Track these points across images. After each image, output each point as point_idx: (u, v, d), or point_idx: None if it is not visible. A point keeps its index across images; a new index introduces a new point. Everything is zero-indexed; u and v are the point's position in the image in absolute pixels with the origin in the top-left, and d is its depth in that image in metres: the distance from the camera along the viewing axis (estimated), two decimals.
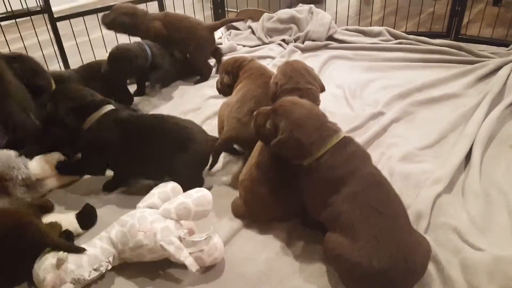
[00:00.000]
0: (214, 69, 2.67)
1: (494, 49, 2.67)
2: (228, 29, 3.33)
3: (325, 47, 2.93)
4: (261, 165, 1.35)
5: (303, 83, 1.50)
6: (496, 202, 1.43)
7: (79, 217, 1.41)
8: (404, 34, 2.90)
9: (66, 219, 1.38)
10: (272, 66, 2.62)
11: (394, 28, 3.00)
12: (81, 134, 1.55)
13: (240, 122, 1.55)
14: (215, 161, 1.63)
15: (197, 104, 2.25)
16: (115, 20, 2.45)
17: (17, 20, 2.52)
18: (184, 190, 1.34)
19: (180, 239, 1.18)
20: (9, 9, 2.50)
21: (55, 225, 1.33)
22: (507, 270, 1.14)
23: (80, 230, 1.39)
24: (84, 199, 1.55)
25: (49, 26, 2.63)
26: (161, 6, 3.21)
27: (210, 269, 1.25)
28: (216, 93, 1.98)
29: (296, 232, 1.36)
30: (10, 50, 2.32)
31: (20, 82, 1.62)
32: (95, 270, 1.17)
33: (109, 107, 1.57)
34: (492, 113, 1.87)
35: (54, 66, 2.65)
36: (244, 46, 3.09)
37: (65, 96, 1.55)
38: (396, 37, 2.92)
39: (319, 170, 1.16)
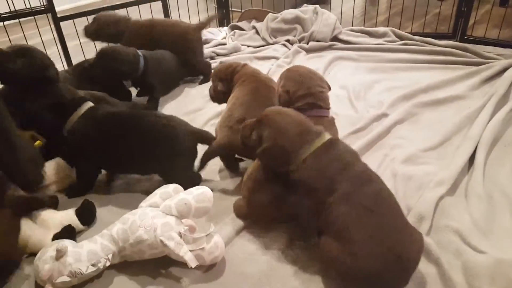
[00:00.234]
0: None
1: (501, 51, 2.65)
2: (232, 29, 3.33)
3: (330, 47, 2.92)
4: (256, 176, 1.35)
5: (315, 87, 1.51)
6: (499, 204, 1.42)
7: (78, 213, 1.41)
8: (410, 35, 2.89)
9: (66, 215, 1.39)
10: (276, 66, 2.63)
11: (399, 29, 2.99)
12: (64, 138, 1.54)
13: (232, 130, 1.53)
14: (203, 165, 1.62)
15: (199, 105, 2.25)
16: (98, 30, 2.43)
17: (21, 19, 2.54)
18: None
19: (181, 235, 1.18)
20: (12, 9, 2.51)
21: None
22: (509, 273, 1.14)
23: (81, 226, 1.40)
24: (83, 197, 1.54)
25: (52, 26, 2.65)
26: (165, 7, 3.22)
27: (211, 269, 1.25)
28: None
29: (298, 233, 1.36)
30: None
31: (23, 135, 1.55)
32: (93, 265, 1.17)
33: (87, 105, 1.55)
34: (497, 115, 1.86)
35: (58, 66, 2.62)
36: (248, 46, 3.09)
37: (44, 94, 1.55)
38: (401, 38, 2.91)
39: (304, 173, 1.17)
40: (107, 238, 1.23)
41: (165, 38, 2.44)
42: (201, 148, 1.59)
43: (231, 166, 1.69)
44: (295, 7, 3.24)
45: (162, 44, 2.43)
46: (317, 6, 3.14)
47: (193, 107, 2.24)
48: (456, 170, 1.53)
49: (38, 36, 2.54)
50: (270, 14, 3.19)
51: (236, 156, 1.69)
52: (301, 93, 1.48)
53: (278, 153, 1.21)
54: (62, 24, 2.65)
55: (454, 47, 2.68)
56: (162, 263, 1.25)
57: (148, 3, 3.01)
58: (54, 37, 2.63)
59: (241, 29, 3.31)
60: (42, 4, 2.61)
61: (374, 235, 1.05)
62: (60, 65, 2.66)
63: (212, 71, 2.01)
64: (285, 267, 1.24)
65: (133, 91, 2.39)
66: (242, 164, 1.70)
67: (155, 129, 1.49)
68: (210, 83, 2.02)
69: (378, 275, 1.04)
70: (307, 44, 2.95)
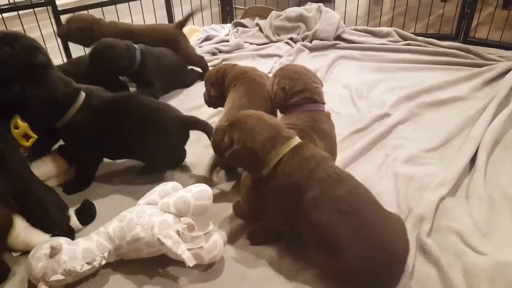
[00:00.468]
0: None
1: (503, 53, 2.64)
2: (235, 26, 3.32)
3: (333, 46, 2.91)
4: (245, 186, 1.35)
5: (310, 83, 1.51)
6: (500, 206, 1.41)
7: (78, 213, 1.40)
8: (413, 36, 2.88)
9: None
10: (279, 64, 2.61)
11: (403, 29, 2.98)
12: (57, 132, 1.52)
13: None
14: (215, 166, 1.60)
15: (201, 102, 2.21)
16: (70, 33, 2.38)
17: (20, 12, 2.51)
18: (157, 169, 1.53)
19: (179, 233, 1.17)
20: (12, 1, 2.49)
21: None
22: (509, 275, 1.13)
23: (80, 226, 1.38)
24: (83, 195, 1.53)
25: (52, 20, 2.62)
26: (168, 3, 3.20)
27: (209, 268, 1.24)
28: None
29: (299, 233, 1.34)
30: None
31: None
32: (88, 263, 1.15)
33: (83, 96, 1.53)
34: (498, 117, 1.85)
35: (58, 60, 2.64)
36: (251, 43, 3.08)
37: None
38: (404, 38, 2.89)
39: (276, 178, 1.16)
40: (103, 236, 1.21)
41: (147, 43, 2.37)
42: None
43: (231, 171, 1.67)
44: (299, 5, 3.23)
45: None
46: (321, 4, 3.12)
47: (194, 104, 2.23)
48: (457, 171, 1.53)
49: (38, 30, 2.51)
50: (273, 12, 3.18)
51: None
52: (297, 89, 1.48)
53: (247, 156, 1.20)
54: (62, 17, 2.62)
55: (457, 48, 2.67)
56: (160, 262, 1.23)
57: None
58: (54, 31, 2.60)
59: (244, 26, 3.30)
60: None
61: (355, 236, 1.05)
62: (60, 60, 2.65)
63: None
64: (285, 267, 1.23)
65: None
66: None
67: (146, 110, 1.53)
68: None
69: (371, 274, 1.05)
70: (310, 42, 2.94)
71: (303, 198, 1.12)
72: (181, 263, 1.17)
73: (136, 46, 2.17)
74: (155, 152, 1.54)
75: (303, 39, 3.00)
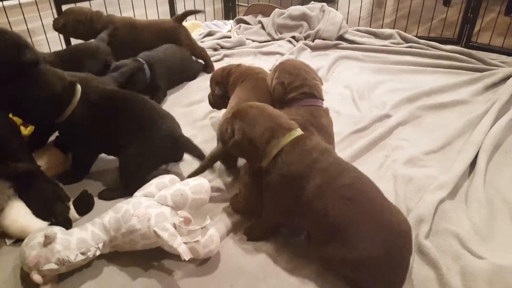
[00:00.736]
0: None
1: (505, 58, 2.65)
2: (237, 22, 3.30)
3: (335, 46, 2.91)
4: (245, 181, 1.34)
5: (310, 79, 1.51)
6: (499, 210, 1.40)
7: (75, 204, 1.39)
8: (415, 38, 2.88)
9: None
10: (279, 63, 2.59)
11: (405, 32, 2.96)
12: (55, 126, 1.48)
13: None
14: (201, 170, 1.50)
15: (201, 97, 2.22)
16: (66, 26, 2.32)
17: (21, 1, 2.48)
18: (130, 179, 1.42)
19: (175, 226, 1.15)
20: None
21: None
22: (508, 279, 1.12)
23: (77, 216, 1.37)
24: (81, 186, 1.51)
25: (54, 10, 2.60)
26: None
27: (204, 262, 1.22)
28: None
29: (298, 228, 1.33)
30: None
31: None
32: (82, 253, 1.14)
33: (79, 89, 1.48)
34: (499, 121, 1.84)
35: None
36: (253, 41, 3.07)
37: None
38: (407, 40, 2.89)
39: (277, 169, 1.15)
40: (98, 227, 1.20)
41: (148, 38, 2.37)
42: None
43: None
44: (302, 4, 3.22)
45: (146, 44, 2.35)
46: (324, 4, 3.11)
47: (194, 99, 2.22)
48: (457, 174, 1.52)
49: (39, 20, 2.49)
50: (276, 10, 3.16)
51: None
52: (296, 84, 1.47)
53: (246, 146, 1.20)
54: (63, 7, 2.60)
55: (459, 53, 2.66)
56: (155, 254, 1.22)
57: None
58: None
59: (246, 23, 3.28)
60: None
61: (364, 220, 1.04)
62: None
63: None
64: (282, 264, 1.22)
65: None
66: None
67: (142, 119, 1.46)
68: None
69: (385, 256, 1.02)
70: (313, 41, 2.93)
71: (305, 188, 1.11)
72: (176, 257, 1.15)
73: (142, 60, 2.12)
74: (134, 161, 1.46)
75: (305, 38, 2.99)
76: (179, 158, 1.64)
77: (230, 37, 3.06)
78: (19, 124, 1.66)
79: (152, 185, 1.29)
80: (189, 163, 1.66)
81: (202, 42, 2.95)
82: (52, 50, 2.45)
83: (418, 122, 1.96)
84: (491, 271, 1.14)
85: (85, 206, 1.41)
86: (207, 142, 1.80)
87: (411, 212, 1.35)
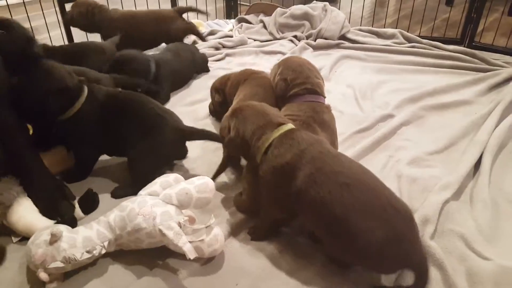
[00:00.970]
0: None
1: (508, 59, 2.64)
2: (239, 21, 3.30)
3: (337, 46, 2.90)
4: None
5: (313, 77, 1.52)
6: (504, 211, 1.40)
7: (81, 202, 1.39)
8: (418, 38, 2.87)
9: None
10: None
11: (407, 32, 2.95)
12: (60, 124, 1.46)
13: None
14: (222, 169, 1.52)
15: (203, 96, 2.22)
16: (72, 20, 2.40)
17: (25, 0, 2.49)
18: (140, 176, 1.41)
19: (180, 225, 1.15)
20: None
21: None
22: None
23: (82, 214, 1.37)
24: (85, 185, 1.50)
25: (57, 8, 2.60)
26: None
27: (209, 262, 1.22)
28: None
29: (301, 228, 1.33)
30: None
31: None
32: (87, 252, 1.14)
33: (86, 88, 1.48)
34: (503, 122, 1.84)
35: None
36: (254, 40, 3.06)
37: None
38: (409, 40, 2.88)
39: (267, 162, 1.17)
40: (103, 225, 1.20)
41: (147, 29, 2.41)
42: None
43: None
44: (304, 3, 3.21)
45: (146, 35, 2.40)
46: (327, 3, 3.11)
47: (196, 98, 2.21)
48: (462, 174, 1.51)
49: (42, 18, 2.49)
50: (278, 9, 3.16)
51: None
52: (299, 81, 1.49)
53: (239, 143, 1.23)
54: (67, 6, 2.61)
55: (462, 53, 2.66)
56: (160, 253, 1.21)
57: None
58: (58, 19, 2.58)
59: (248, 22, 3.28)
60: None
61: (363, 203, 1.02)
62: None
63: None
64: (285, 264, 1.21)
65: None
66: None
67: (148, 115, 1.46)
68: (212, 74, 2.00)
69: (390, 238, 0.99)
70: (315, 41, 2.92)
71: (296, 178, 1.10)
72: (181, 256, 1.16)
73: (150, 57, 2.13)
74: (144, 158, 1.45)
75: (307, 37, 2.99)
76: (184, 155, 1.65)
77: (231, 36, 3.06)
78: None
79: (156, 184, 1.28)
80: (192, 160, 1.67)
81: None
82: None
83: (421, 122, 1.96)
84: (497, 273, 1.13)
85: (90, 204, 1.40)
86: (209, 141, 1.80)
87: (416, 213, 1.33)
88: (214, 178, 1.46)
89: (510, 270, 1.13)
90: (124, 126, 1.46)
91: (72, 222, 1.29)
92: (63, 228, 1.16)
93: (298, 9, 3.08)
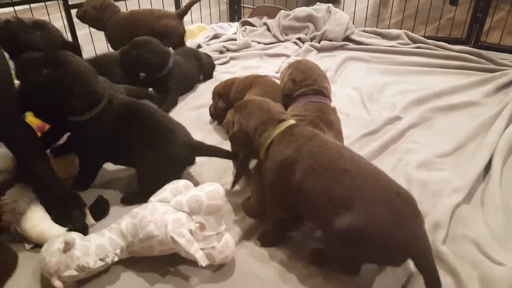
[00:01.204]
0: None
1: None
2: (243, 25, 3.30)
3: (342, 47, 2.89)
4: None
5: (320, 81, 1.55)
6: None
7: (91, 209, 1.39)
8: (423, 39, 2.85)
9: None
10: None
11: (412, 32, 2.94)
12: (75, 125, 1.43)
13: None
14: (238, 178, 1.49)
15: (208, 99, 2.20)
16: (85, 14, 2.44)
17: (32, 6, 2.50)
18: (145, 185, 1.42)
19: (191, 232, 1.15)
20: None
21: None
22: None
23: (93, 221, 1.37)
24: (95, 192, 1.51)
25: (63, 13, 2.61)
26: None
27: (220, 268, 1.22)
28: None
29: (310, 234, 1.33)
30: None
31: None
32: (101, 260, 1.14)
33: (107, 95, 1.47)
34: None
35: None
36: (258, 43, 3.06)
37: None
38: (414, 41, 2.86)
39: (269, 159, 1.18)
40: (115, 232, 1.20)
41: (148, 30, 2.39)
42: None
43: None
44: (307, 5, 3.21)
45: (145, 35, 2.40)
46: (330, 5, 3.10)
47: (202, 101, 2.20)
48: (472, 177, 1.50)
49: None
50: (282, 11, 3.15)
51: None
52: (307, 83, 1.53)
53: (242, 138, 1.24)
54: (73, 12, 2.62)
55: (468, 53, 2.64)
56: (171, 260, 1.21)
57: None
58: (64, 25, 2.59)
59: (252, 25, 3.27)
60: None
61: (364, 186, 1.01)
62: None
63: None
64: (296, 270, 1.21)
65: None
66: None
67: (159, 127, 1.45)
68: (216, 79, 2.00)
69: (393, 222, 0.97)
70: (319, 43, 2.91)
71: (295, 172, 1.11)
72: (192, 262, 1.15)
73: (171, 52, 2.15)
74: (153, 171, 1.44)
75: (312, 39, 2.98)
76: (192, 162, 1.65)
77: (235, 40, 3.05)
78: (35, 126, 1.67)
79: (166, 191, 1.29)
80: (200, 165, 1.67)
81: (208, 44, 2.95)
82: None
83: (429, 124, 1.95)
84: (511, 278, 1.12)
85: (101, 211, 1.41)
86: (217, 145, 1.80)
87: (427, 217, 1.33)
88: (232, 186, 1.47)
89: None
90: (133, 136, 1.45)
91: (84, 230, 1.30)
92: (75, 236, 1.16)
93: (301, 11, 3.08)
